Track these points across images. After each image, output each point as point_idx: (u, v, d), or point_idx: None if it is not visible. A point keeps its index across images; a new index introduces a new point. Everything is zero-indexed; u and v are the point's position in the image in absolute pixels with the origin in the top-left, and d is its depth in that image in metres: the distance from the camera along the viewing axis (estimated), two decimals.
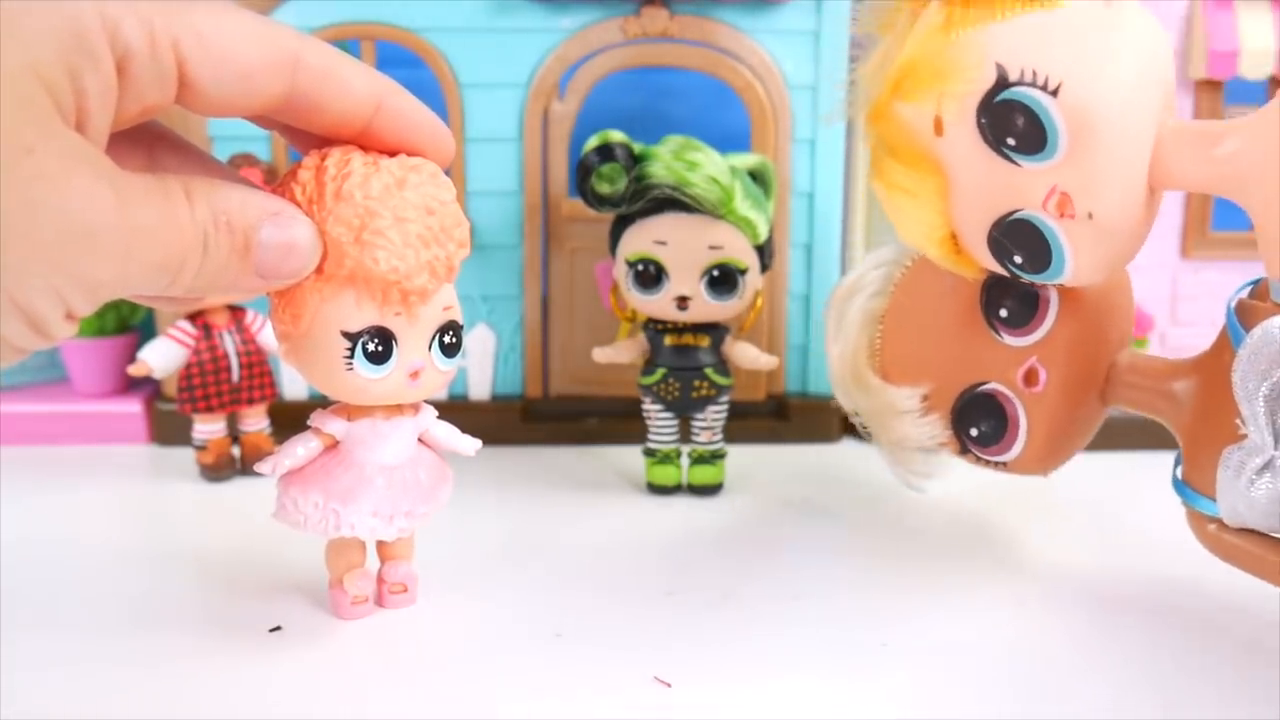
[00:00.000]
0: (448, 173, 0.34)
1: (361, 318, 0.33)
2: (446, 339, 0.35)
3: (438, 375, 0.35)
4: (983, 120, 0.35)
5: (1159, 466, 0.40)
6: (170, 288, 0.27)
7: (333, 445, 0.37)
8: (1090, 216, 0.35)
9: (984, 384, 0.42)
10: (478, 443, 0.39)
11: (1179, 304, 0.58)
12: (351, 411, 0.36)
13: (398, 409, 0.37)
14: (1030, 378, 0.41)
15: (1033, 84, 0.34)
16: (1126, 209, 0.35)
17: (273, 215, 0.29)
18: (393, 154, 0.32)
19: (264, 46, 0.28)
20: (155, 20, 0.26)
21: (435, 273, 0.33)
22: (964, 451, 0.43)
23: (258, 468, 0.36)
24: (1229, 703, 0.34)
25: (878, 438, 0.46)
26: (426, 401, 0.38)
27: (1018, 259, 0.37)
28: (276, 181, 0.33)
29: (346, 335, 0.33)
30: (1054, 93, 0.33)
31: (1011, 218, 0.36)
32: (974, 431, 0.43)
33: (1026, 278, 0.38)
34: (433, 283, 0.33)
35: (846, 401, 0.47)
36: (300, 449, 0.36)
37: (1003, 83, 0.34)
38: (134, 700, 0.34)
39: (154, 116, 0.28)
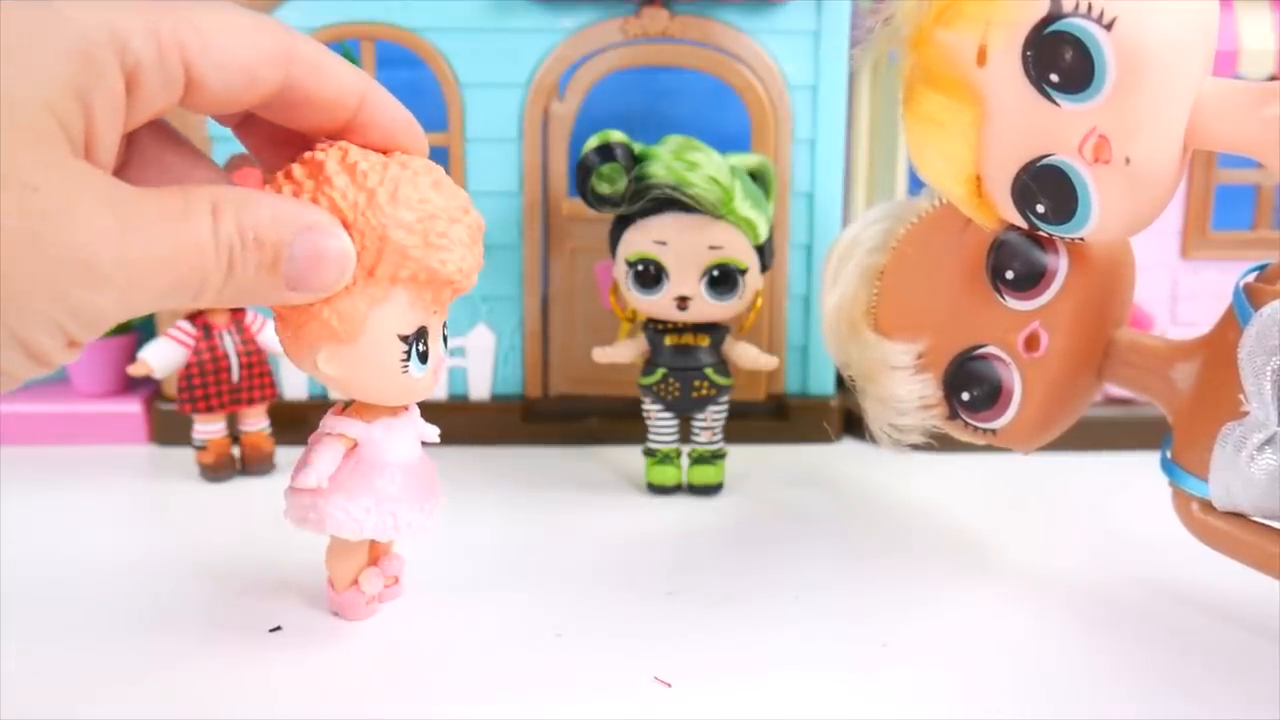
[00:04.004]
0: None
1: (413, 319, 0.33)
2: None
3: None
4: (1028, 53, 0.35)
5: (1152, 467, 0.40)
6: (194, 304, 0.27)
7: (354, 448, 0.36)
8: (1127, 162, 0.34)
9: (981, 347, 0.42)
10: (437, 429, 0.39)
11: (1179, 304, 0.58)
12: (363, 413, 0.36)
13: (402, 407, 0.37)
14: (1031, 342, 0.40)
15: (1087, 15, 0.33)
16: (1164, 158, 0.35)
17: (306, 228, 0.29)
18: (377, 150, 0.32)
19: (261, 40, 0.28)
20: (162, 27, 0.26)
21: (475, 271, 0.34)
22: (952, 417, 0.43)
23: (299, 482, 0.35)
24: (1224, 701, 0.34)
25: (866, 393, 0.45)
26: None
27: (1041, 208, 0.37)
28: (275, 181, 0.32)
29: (403, 338, 0.33)
30: (1108, 26, 0.33)
31: (1042, 162, 0.36)
32: (965, 396, 0.42)
33: (1046, 229, 0.37)
34: (474, 280, 0.34)
35: (838, 353, 0.46)
36: (330, 455, 0.36)
37: (1055, 13, 0.34)
38: (134, 700, 0.34)
39: (160, 117, 0.28)
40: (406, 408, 0.37)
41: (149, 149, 0.30)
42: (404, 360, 0.33)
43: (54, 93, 0.24)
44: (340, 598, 0.39)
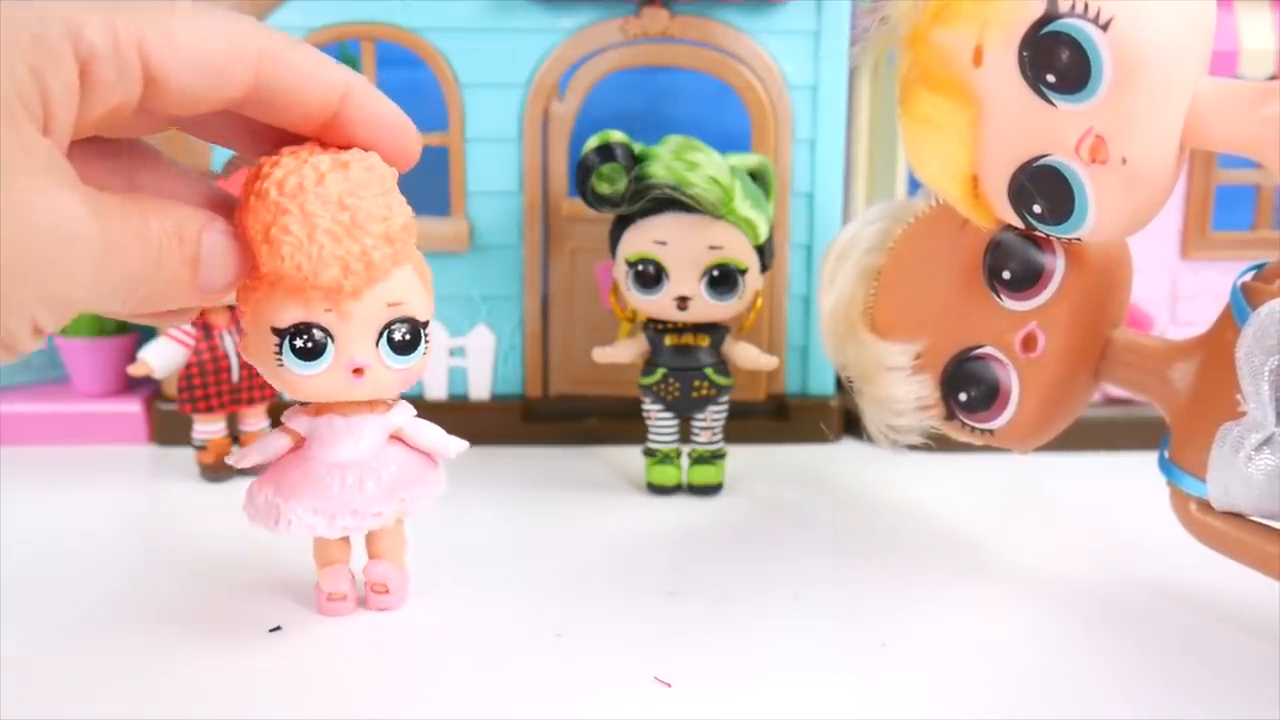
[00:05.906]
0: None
1: (289, 314, 0.33)
2: (396, 336, 0.34)
3: (389, 374, 0.35)
4: (1024, 53, 0.35)
5: (1150, 468, 0.40)
6: (122, 305, 0.27)
7: (300, 442, 0.37)
8: (1124, 162, 0.34)
9: (978, 348, 0.42)
10: (463, 444, 0.39)
11: (1179, 304, 0.58)
12: (318, 409, 0.37)
13: (365, 406, 0.37)
14: (1029, 343, 0.40)
15: (1083, 16, 0.33)
16: (1161, 157, 0.34)
17: (207, 226, 0.29)
18: (362, 149, 0.32)
19: (229, 37, 0.28)
20: (119, 21, 0.26)
21: (349, 269, 0.32)
22: (950, 417, 0.43)
23: (227, 459, 0.37)
24: (1223, 701, 0.34)
25: (863, 394, 0.45)
26: (410, 401, 0.38)
27: (1038, 208, 0.37)
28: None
29: (275, 331, 0.33)
30: (1105, 26, 0.33)
31: (1038, 163, 0.36)
32: (963, 396, 0.42)
33: (1043, 229, 0.37)
34: (349, 279, 0.32)
35: (836, 354, 0.46)
36: (269, 444, 0.37)
37: (1052, 13, 0.34)
38: (133, 699, 0.34)
39: (121, 118, 0.27)
40: (368, 407, 0.37)
41: (141, 174, 0.31)
42: (276, 354, 0.34)
43: (14, 74, 0.24)
44: (315, 590, 0.39)
